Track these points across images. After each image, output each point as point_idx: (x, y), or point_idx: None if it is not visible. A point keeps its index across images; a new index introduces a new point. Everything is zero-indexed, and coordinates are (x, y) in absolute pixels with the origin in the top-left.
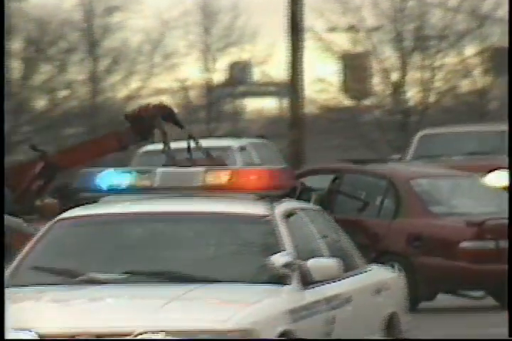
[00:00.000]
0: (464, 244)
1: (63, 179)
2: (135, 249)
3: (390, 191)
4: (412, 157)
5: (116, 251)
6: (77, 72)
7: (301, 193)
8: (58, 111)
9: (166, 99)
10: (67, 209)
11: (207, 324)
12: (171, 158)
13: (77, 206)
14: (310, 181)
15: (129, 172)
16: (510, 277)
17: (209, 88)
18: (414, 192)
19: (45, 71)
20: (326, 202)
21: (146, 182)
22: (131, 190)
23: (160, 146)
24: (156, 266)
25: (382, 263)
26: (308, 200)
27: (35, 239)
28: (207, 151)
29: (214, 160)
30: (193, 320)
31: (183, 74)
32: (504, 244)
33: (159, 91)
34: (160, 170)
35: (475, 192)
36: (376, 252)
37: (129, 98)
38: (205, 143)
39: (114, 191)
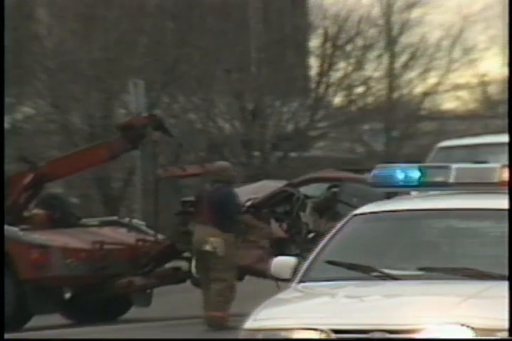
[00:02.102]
0: None
1: (50, 189)
2: (429, 245)
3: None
4: None
5: (411, 247)
6: (373, 69)
7: (298, 201)
8: (355, 107)
9: (463, 94)
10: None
11: (504, 323)
12: (162, 168)
13: None
14: (310, 189)
15: (424, 167)
16: (511, 276)
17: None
18: None
19: (342, 68)
20: (323, 209)
21: (440, 178)
22: (425, 186)
23: (458, 142)
24: (452, 262)
25: None
26: (304, 208)
27: (330, 234)
28: (198, 159)
29: (205, 168)
30: (490, 319)
31: (482, 69)
32: None
33: (457, 87)
34: (455, 166)
35: None
36: None
37: (426, 94)
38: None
39: (408, 187)
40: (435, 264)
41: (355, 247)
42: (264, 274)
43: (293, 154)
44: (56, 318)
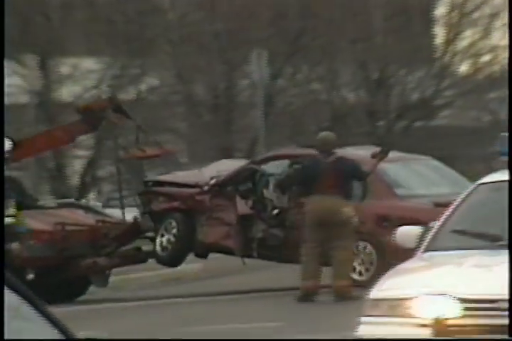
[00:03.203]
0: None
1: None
2: None
3: None
4: None
5: None
6: (501, 37)
7: (260, 178)
8: (481, 76)
9: None
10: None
11: None
12: (123, 150)
13: None
14: (272, 167)
15: None
16: (511, 275)
17: None
18: (378, 175)
19: (468, 36)
20: (285, 186)
21: None
22: None
23: None
24: None
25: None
26: (267, 185)
27: (455, 203)
28: (156, 141)
29: (163, 149)
30: None
31: None
32: None
33: None
34: None
35: (427, 174)
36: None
37: None
38: None
39: None
40: None
41: (481, 216)
42: (230, 251)
43: (418, 123)
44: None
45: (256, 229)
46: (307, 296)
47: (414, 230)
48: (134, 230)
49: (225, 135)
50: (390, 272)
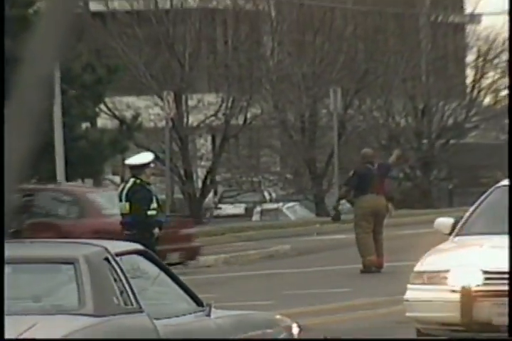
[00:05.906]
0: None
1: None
2: None
3: (74, 201)
4: None
5: None
6: None
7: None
8: (500, 106)
9: None
10: None
11: None
12: None
13: None
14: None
15: None
16: (510, 276)
17: None
18: (90, 201)
19: (490, 76)
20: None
21: None
22: None
23: None
24: None
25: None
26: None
27: (479, 201)
28: None
29: None
30: None
31: None
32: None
33: None
34: None
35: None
36: None
37: None
38: None
39: None
40: None
41: (497, 211)
42: None
43: (452, 141)
44: None
45: None
46: (369, 269)
47: (449, 220)
48: None
49: (309, 150)
50: (430, 251)
